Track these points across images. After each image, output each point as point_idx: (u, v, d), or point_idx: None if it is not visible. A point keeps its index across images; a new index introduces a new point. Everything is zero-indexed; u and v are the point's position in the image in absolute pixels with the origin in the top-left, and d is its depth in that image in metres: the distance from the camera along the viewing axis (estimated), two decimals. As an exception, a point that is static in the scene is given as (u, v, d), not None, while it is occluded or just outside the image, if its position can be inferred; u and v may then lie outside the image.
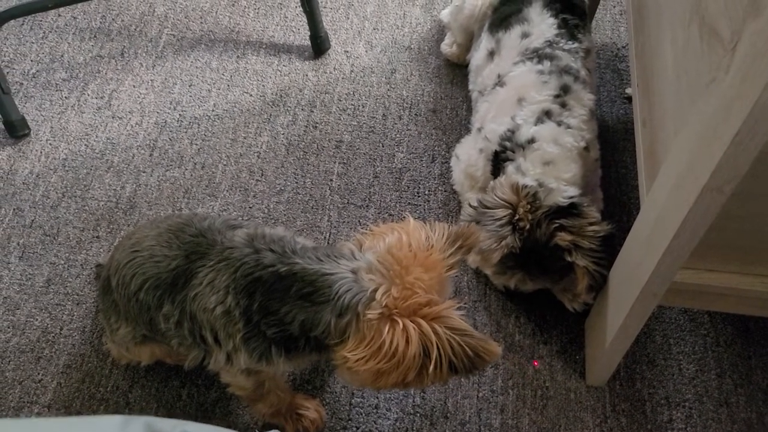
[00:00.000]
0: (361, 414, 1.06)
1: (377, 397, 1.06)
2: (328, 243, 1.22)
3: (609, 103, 1.40)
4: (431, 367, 0.72)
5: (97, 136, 1.36)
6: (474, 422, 1.04)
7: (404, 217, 0.83)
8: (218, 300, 0.82)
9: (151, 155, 1.33)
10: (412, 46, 1.49)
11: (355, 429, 1.05)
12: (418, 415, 1.05)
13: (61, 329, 1.14)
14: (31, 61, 1.47)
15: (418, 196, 1.28)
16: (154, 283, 0.88)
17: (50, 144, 1.35)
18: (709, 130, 0.64)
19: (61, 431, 0.53)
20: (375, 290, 0.74)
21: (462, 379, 1.05)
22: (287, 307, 0.78)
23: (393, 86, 1.43)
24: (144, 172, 1.31)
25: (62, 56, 1.48)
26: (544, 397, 1.07)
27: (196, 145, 1.35)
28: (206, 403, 1.07)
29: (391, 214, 1.25)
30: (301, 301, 0.77)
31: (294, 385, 1.07)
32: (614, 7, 1.56)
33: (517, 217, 1.01)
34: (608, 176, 1.27)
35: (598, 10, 1.51)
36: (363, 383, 0.78)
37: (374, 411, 1.05)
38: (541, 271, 1.05)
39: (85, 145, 1.35)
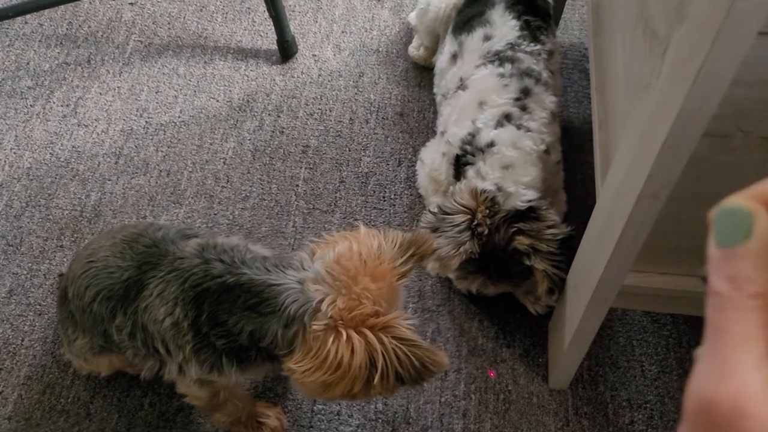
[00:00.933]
0: (323, 421, 1.05)
1: (339, 404, 1.06)
2: (292, 249, 1.22)
3: (576, 104, 1.40)
4: (377, 378, 0.72)
5: (62, 144, 1.35)
6: (436, 427, 1.04)
7: (357, 225, 0.82)
8: (167, 311, 0.81)
9: (116, 163, 1.33)
10: (381, 49, 1.49)
11: (316, 436, 1.04)
12: (380, 421, 1.05)
13: (23, 340, 1.13)
14: (-3, 69, 1.47)
15: (384, 201, 1.27)
16: (107, 294, 0.87)
17: (14, 153, 1.34)
18: (644, 135, 0.64)
19: None
20: (321, 301, 0.73)
21: (422, 386, 1.05)
22: (235, 318, 0.78)
23: (360, 90, 1.42)
24: (109, 180, 1.31)
25: (28, 63, 1.47)
26: (506, 401, 1.06)
27: (162, 152, 1.34)
28: (168, 413, 1.06)
29: (356, 219, 1.25)
30: (249, 312, 0.77)
31: (256, 393, 1.07)
32: (582, 7, 1.56)
33: (475, 222, 1.01)
34: (574, 178, 1.27)
35: (566, 10, 1.51)
36: (312, 394, 0.77)
37: (336, 418, 1.05)
38: (502, 275, 1.05)
39: (50, 153, 1.34)
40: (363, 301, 0.73)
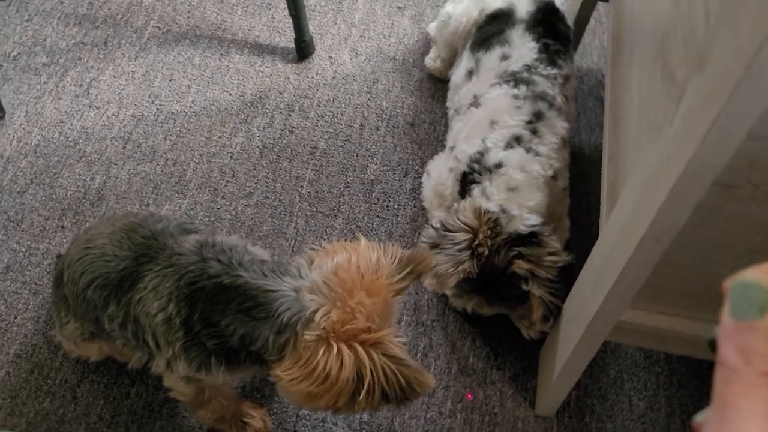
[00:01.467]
0: (308, 426, 1.05)
1: (325, 413, 1.06)
2: (292, 251, 1.22)
3: (588, 131, 1.39)
4: (363, 394, 0.72)
5: (71, 124, 1.35)
6: (419, 443, 1.04)
7: (357, 236, 0.82)
8: (160, 306, 0.81)
9: (124, 148, 1.33)
10: (397, 57, 1.49)
11: (299, 441, 1.04)
12: (365, 431, 1.05)
13: (15, 318, 1.13)
14: (14, 43, 1.47)
15: (387, 210, 1.27)
16: (101, 282, 0.87)
17: (23, 128, 1.34)
18: (652, 179, 0.64)
19: None
20: (315, 311, 0.73)
21: (406, 405, 1.04)
22: (228, 319, 0.78)
23: (374, 96, 1.42)
24: (115, 164, 1.31)
25: (45, 40, 1.47)
26: (491, 423, 1.06)
27: (170, 140, 1.34)
28: (154, 404, 1.06)
29: (358, 226, 1.25)
30: (242, 315, 0.77)
31: (243, 392, 1.07)
32: (603, 33, 1.55)
33: (476, 242, 1.00)
34: (579, 205, 1.27)
35: (586, 35, 1.50)
36: (297, 402, 0.77)
37: (321, 424, 1.05)
38: (498, 297, 1.04)
39: (59, 132, 1.34)
40: (356, 316, 0.73)
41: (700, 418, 0.30)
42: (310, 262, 0.81)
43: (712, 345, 0.30)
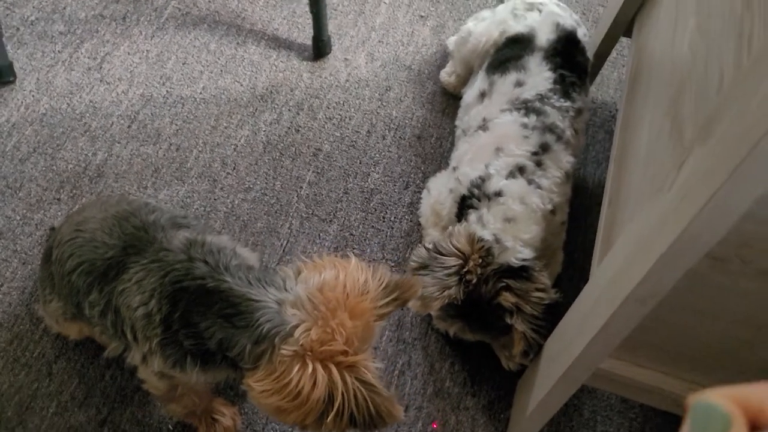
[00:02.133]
0: (276, 430, 1.05)
1: (295, 417, 1.06)
2: (283, 251, 1.21)
3: (594, 165, 1.39)
4: (332, 416, 0.72)
5: (80, 97, 1.35)
6: (385, 461, 1.04)
7: (348, 255, 0.81)
8: (142, 301, 0.81)
9: (129, 127, 1.32)
10: (413, 67, 1.48)
11: (266, 444, 1.04)
12: (333, 442, 1.05)
13: (2, 286, 1.13)
14: (33, 7, 1.46)
15: (383, 221, 1.27)
16: (87, 268, 0.87)
17: (33, 96, 1.34)
18: (644, 240, 0.63)
19: None
20: (295, 327, 0.73)
21: None
22: (208, 322, 0.77)
23: (384, 104, 1.41)
24: (119, 142, 1.30)
25: (64, 8, 1.47)
26: (459, 449, 1.06)
27: (176, 125, 1.33)
28: (127, 389, 1.06)
29: (352, 234, 1.24)
30: (222, 320, 0.77)
31: (216, 389, 1.07)
32: (623, 66, 1.54)
33: (466, 269, 1.00)
34: (576, 240, 1.26)
35: (606, 67, 1.49)
36: (265, 412, 0.77)
37: (290, 429, 1.05)
38: (481, 325, 1.04)
39: (67, 103, 1.34)
40: (336, 337, 0.72)
41: None
42: (297, 273, 0.81)
43: None
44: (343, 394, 0.71)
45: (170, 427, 1.04)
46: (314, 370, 0.71)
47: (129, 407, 1.05)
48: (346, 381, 0.72)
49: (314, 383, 0.71)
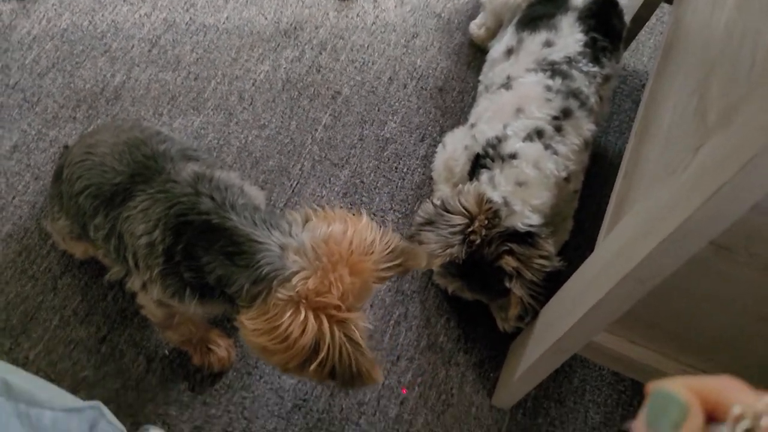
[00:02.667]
0: (269, 366, 1.07)
1: (289, 355, 1.08)
2: (292, 191, 1.21)
3: (616, 134, 1.35)
4: (314, 365, 0.72)
5: (103, 15, 1.33)
6: (371, 406, 1.06)
7: (360, 211, 0.81)
8: (146, 230, 0.82)
9: (149, 51, 1.31)
10: (443, 15, 1.43)
11: (258, 378, 1.07)
12: (326, 383, 1.07)
13: (13, 198, 1.15)
14: None
15: (395, 171, 1.25)
16: (94, 191, 0.88)
17: (55, 9, 1.32)
18: (649, 222, 0.62)
19: None
20: (295, 273, 0.73)
21: (348, 391, 1.06)
22: (209, 257, 0.78)
23: (409, 51, 1.38)
24: (138, 66, 1.29)
25: None
26: (446, 403, 1.08)
27: (197, 54, 1.32)
28: (127, 311, 1.09)
29: (363, 181, 1.24)
30: (223, 257, 0.77)
31: (214, 321, 1.09)
32: (660, 33, 1.48)
33: (471, 229, 0.99)
34: (588, 208, 1.24)
35: (643, 33, 1.44)
36: (252, 350, 0.79)
37: (282, 367, 1.07)
38: (480, 286, 1.04)
39: (89, 21, 1.32)
40: (332, 290, 0.73)
41: None
42: (305, 220, 0.80)
43: None
44: (329, 347, 0.72)
45: (166, 352, 1.06)
46: (306, 317, 0.72)
47: (128, 329, 1.07)
48: (334, 334, 0.72)
49: (303, 330, 0.72)
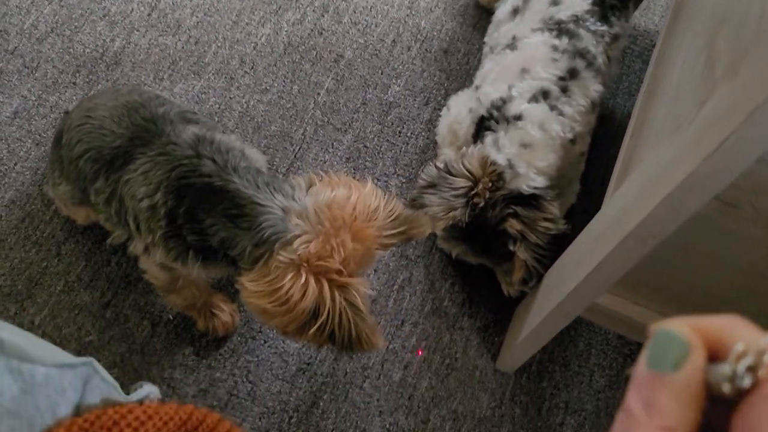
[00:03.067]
0: (272, 330, 1.07)
1: (292, 320, 1.08)
2: (294, 156, 1.20)
3: (625, 96, 1.33)
4: (314, 329, 0.72)
5: (101, -21, 1.31)
6: (375, 369, 1.06)
7: (364, 177, 0.80)
8: (147, 193, 0.81)
9: (149, 15, 1.29)
10: (448, -24, 1.40)
11: (262, 342, 1.07)
12: (325, 348, 1.07)
13: (15, 164, 1.15)
14: None
15: (399, 136, 1.24)
16: (94, 155, 0.87)
17: (53, -27, 1.30)
18: (653, 179, 0.60)
19: None
20: (297, 236, 0.73)
21: (348, 356, 1.06)
22: (212, 220, 0.77)
23: (413, 13, 1.35)
24: (137, 30, 1.27)
25: None
26: (450, 367, 1.08)
27: (197, 17, 1.30)
28: (131, 277, 1.09)
29: (366, 146, 1.22)
30: (226, 220, 0.77)
31: (218, 285, 1.09)
32: (672, -7, 1.44)
33: (474, 191, 0.98)
34: (595, 171, 1.22)
35: (653, -8, 1.40)
36: (252, 312, 0.79)
37: (286, 331, 1.07)
38: (484, 250, 1.03)
39: (88, -16, 1.30)
40: (334, 255, 0.72)
41: None
42: (309, 185, 0.80)
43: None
44: (329, 311, 0.72)
45: (170, 317, 1.07)
46: (306, 281, 0.72)
47: (132, 294, 1.08)
48: (334, 299, 0.72)
49: (304, 294, 0.72)
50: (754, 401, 0.23)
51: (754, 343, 0.24)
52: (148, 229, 0.83)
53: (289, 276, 0.72)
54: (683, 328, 0.26)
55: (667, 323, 0.27)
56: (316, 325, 0.71)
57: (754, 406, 0.23)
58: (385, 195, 0.78)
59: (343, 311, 0.71)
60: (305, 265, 0.72)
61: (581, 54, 1.06)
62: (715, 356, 0.25)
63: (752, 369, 0.23)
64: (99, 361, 0.66)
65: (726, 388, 0.24)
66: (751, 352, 0.23)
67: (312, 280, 0.72)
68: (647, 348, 0.27)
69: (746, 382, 0.23)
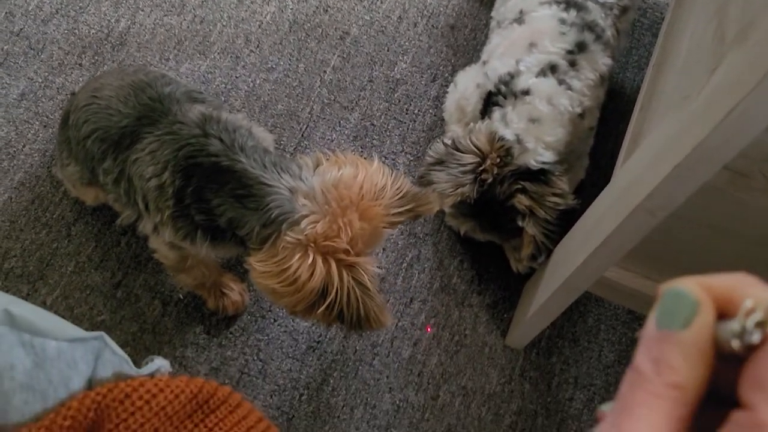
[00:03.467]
0: (282, 309, 1.08)
1: (301, 298, 1.08)
2: (302, 135, 1.20)
3: (635, 69, 1.31)
4: (322, 308, 0.73)
5: (105, -41, 1.30)
6: (385, 347, 1.07)
7: (371, 155, 0.80)
8: (155, 172, 0.81)
9: (154, -6, 1.28)
10: (454, -50, 1.38)
11: (272, 321, 1.08)
12: (335, 326, 1.07)
13: (24, 146, 1.15)
14: None
15: (406, 113, 1.23)
16: (101, 135, 0.87)
17: (57, -46, 1.30)
18: (662, 150, 0.60)
19: None
20: (304, 216, 0.73)
21: (357, 334, 1.06)
22: (219, 200, 0.78)
23: (420, -11, 1.33)
24: (142, 10, 1.27)
25: None
26: (459, 344, 1.08)
27: (202, -4, 1.29)
28: (141, 257, 1.09)
29: (373, 124, 1.22)
30: (233, 200, 0.77)
31: (227, 264, 1.09)
32: (682, -35, 1.42)
33: (482, 167, 0.97)
34: (604, 146, 1.22)
35: (663, -36, 1.37)
36: (261, 291, 0.79)
37: (296, 309, 1.08)
38: (492, 226, 1.03)
39: (92, -35, 1.30)
40: (341, 235, 0.72)
41: (605, 408, 0.30)
42: (316, 164, 0.80)
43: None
44: (337, 290, 0.72)
45: (181, 296, 1.08)
46: (314, 261, 0.72)
47: (142, 274, 1.08)
48: (342, 278, 0.72)
49: (312, 273, 0.72)
50: (762, 356, 0.23)
51: (763, 299, 0.24)
52: (156, 208, 0.84)
53: (297, 256, 0.72)
54: (692, 286, 0.26)
55: (676, 282, 0.27)
56: (325, 305, 0.72)
57: (763, 360, 0.23)
58: (392, 173, 0.77)
59: (351, 290, 0.72)
60: (312, 245, 0.72)
61: (590, 27, 1.04)
62: (724, 314, 0.25)
63: (761, 324, 0.23)
64: (112, 339, 0.67)
65: (735, 344, 0.24)
66: (760, 308, 0.23)
67: (319, 260, 0.72)
68: (657, 307, 0.26)
69: (755, 337, 0.23)
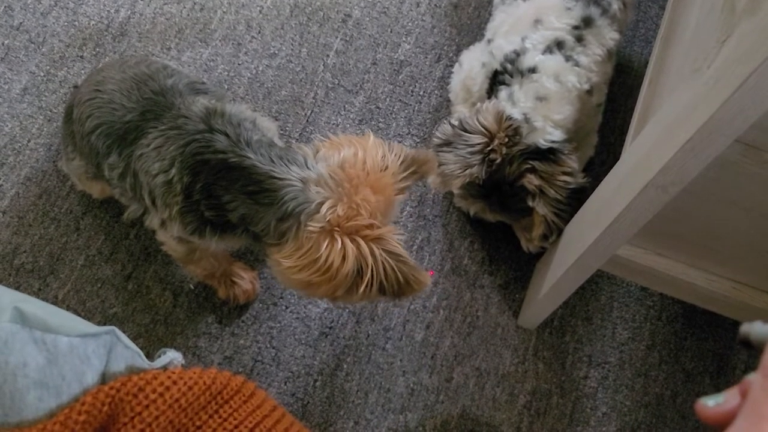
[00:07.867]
0: (294, 296, 1.08)
1: (312, 284, 1.08)
2: (306, 121, 1.19)
3: (642, 43, 1.29)
4: (362, 288, 0.73)
5: (102, -51, 1.29)
6: (398, 330, 1.07)
7: (365, 131, 0.80)
8: (162, 168, 0.81)
9: (152, -17, 1.27)
10: (455, -73, 1.36)
11: (284, 308, 1.08)
12: (347, 311, 1.07)
13: (29, 141, 1.15)
14: None
15: (411, 95, 1.22)
16: (106, 130, 0.87)
17: (54, -54, 1.28)
18: (674, 124, 0.58)
19: None
20: (321, 204, 0.73)
21: (401, 300, 1.06)
22: (230, 197, 0.77)
23: (421, -33, 1.31)
24: (142, 0, 1.26)
25: None
26: (471, 325, 1.08)
27: (201, -17, 1.27)
28: (150, 248, 1.09)
29: (378, 107, 1.21)
30: (245, 197, 0.76)
31: (237, 253, 1.09)
32: (689, -67, 1.39)
33: (491, 147, 0.96)
34: (613, 122, 1.20)
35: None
36: (292, 288, 0.79)
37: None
38: (502, 207, 1.02)
39: (89, -45, 1.28)
40: (361, 212, 0.73)
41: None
42: (316, 152, 0.80)
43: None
44: (372, 266, 0.73)
45: (191, 286, 1.08)
46: (343, 244, 0.72)
47: (152, 265, 1.09)
48: (374, 253, 0.73)
49: (344, 257, 0.72)
50: None
51: None
52: (164, 203, 0.83)
53: (325, 244, 0.72)
54: None
55: None
56: (364, 284, 0.72)
57: None
58: (386, 142, 0.78)
59: (385, 262, 0.72)
60: (337, 229, 0.72)
61: (595, 1, 1.02)
62: None
63: None
64: (124, 332, 0.67)
65: None
66: None
67: (348, 242, 0.72)
68: None
69: None
